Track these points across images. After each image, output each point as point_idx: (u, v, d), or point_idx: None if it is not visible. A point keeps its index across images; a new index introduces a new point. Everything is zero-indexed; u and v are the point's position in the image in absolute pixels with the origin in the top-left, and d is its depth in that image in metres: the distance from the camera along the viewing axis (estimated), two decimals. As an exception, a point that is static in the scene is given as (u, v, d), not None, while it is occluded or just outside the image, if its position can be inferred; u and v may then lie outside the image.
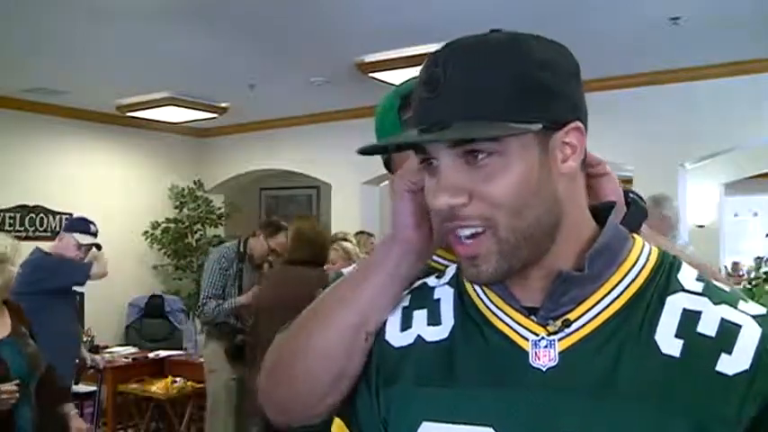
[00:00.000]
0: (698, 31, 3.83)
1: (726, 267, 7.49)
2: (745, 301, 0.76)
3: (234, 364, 4.02)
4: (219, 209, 7.03)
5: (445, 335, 0.82)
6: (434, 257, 1.05)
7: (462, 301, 0.83)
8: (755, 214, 8.46)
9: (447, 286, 0.86)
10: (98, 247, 4.07)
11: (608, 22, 3.75)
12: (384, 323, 0.86)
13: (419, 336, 0.83)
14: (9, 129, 5.54)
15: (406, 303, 0.87)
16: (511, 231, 0.72)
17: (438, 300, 0.85)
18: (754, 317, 0.73)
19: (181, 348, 5.56)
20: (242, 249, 4.13)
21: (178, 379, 4.88)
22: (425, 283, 0.89)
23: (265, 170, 6.94)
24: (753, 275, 5.67)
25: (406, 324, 0.85)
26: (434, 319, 0.84)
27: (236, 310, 4.00)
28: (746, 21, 3.66)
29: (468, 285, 0.84)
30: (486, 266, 0.73)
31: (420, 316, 0.85)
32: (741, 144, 4.80)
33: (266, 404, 0.93)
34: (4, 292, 2.64)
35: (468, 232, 0.73)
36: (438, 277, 0.89)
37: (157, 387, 4.82)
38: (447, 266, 0.92)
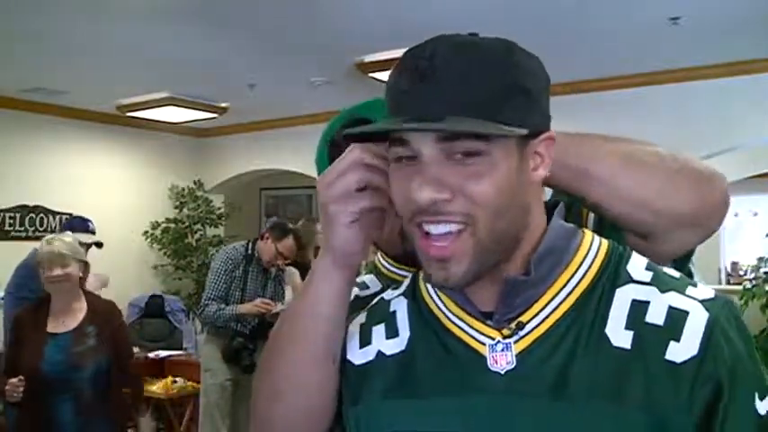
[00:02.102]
0: (698, 31, 3.83)
1: (726, 267, 7.49)
2: (694, 285, 0.76)
3: (229, 365, 4.01)
4: (219, 209, 7.02)
5: (403, 346, 0.82)
6: (394, 269, 1.05)
7: (419, 310, 0.83)
8: (755, 214, 8.45)
9: (402, 297, 0.87)
10: (99, 245, 4.07)
11: (608, 22, 3.75)
12: (343, 344, 0.86)
13: (379, 351, 0.83)
14: (9, 129, 5.53)
15: (363, 320, 0.88)
16: (488, 232, 0.71)
17: (394, 312, 0.86)
18: (701, 301, 0.73)
19: (181, 348, 5.55)
20: (249, 251, 4.10)
21: (178, 379, 4.88)
22: (382, 298, 0.89)
23: (265, 170, 6.94)
24: (753, 275, 5.66)
25: (365, 341, 0.85)
26: (392, 332, 0.84)
27: (238, 316, 3.98)
28: (746, 21, 3.66)
29: (424, 294, 0.84)
30: (457, 269, 0.72)
31: (378, 331, 0.85)
32: (741, 144, 4.80)
33: None
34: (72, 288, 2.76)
35: (445, 229, 0.71)
36: (394, 289, 0.89)
37: (157, 387, 4.81)
38: (405, 278, 0.91)
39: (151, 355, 5.28)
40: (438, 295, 0.82)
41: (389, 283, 1.03)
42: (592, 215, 0.94)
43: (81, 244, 3.81)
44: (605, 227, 0.89)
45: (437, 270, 0.73)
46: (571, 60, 4.34)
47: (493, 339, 0.76)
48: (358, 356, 0.85)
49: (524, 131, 0.70)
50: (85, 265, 2.86)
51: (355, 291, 1.06)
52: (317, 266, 0.84)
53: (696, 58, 4.39)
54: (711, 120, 4.55)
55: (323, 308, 0.83)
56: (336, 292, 0.83)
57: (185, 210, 6.76)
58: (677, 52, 4.29)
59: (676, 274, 0.78)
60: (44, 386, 2.60)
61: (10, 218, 5.61)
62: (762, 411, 0.71)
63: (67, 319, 2.74)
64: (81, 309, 2.79)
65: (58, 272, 2.72)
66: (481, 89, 0.69)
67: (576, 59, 4.37)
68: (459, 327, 0.79)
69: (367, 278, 1.08)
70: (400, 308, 0.85)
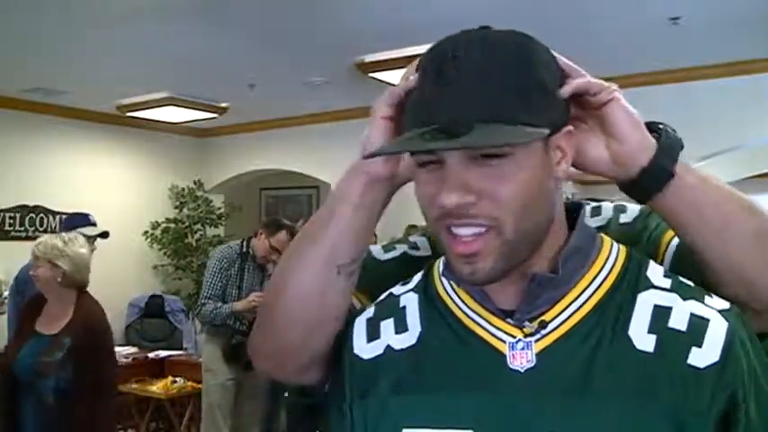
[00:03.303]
0: (698, 31, 3.83)
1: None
2: (710, 296, 0.77)
3: (230, 364, 4.01)
4: (219, 209, 7.02)
5: (413, 341, 0.82)
6: None
7: (432, 305, 0.83)
8: (755, 214, 8.46)
9: (412, 293, 0.87)
10: (104, 235, 4.06)
11: (608, 22, 3.75)
12: (351, 336, 0.86)
13: (388, 345, 0.83)
14: (9, 129, 5.53)
15: (370, 314, 0.88)
16: (515, 232, 0.71)
17: (404, 307, 0.85)
18: (719, 311, 0.75)
19: (181, 348, 5.56)
20: (245, 249, 4.11)
21: (178, 379, 4.88)
22: (391, 293, 0.89)
23: (265, 170, 6.94)
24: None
25: (373, 335, 0.85)
26: (401, 327, 0.84)
27: (235, 313, 3.99)
28: (746, 21, 3.66)
29: (440, 289, 0.84)
30: (484, 264, 0.72)
31: (387, 325, 0.85)
32: (741, 144, 4.80)
33: (256, 357, 0.94)
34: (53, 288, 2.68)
35: (471, 231, 0.71)
36: (403, 284, 0.89)
37: (157, 387, 4.82)
38: None
39: (151, 355, 5.29)
40: (455, 291, 0.82)
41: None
42: (669, 252, 0.92)
43: (88, 238, 3.80)
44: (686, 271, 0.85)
45: (464, 265, 0.73)
46: (571, 60, 4.33)
47: (513, 337, 0.76)
48: (366, 350, 0.84)
49: (547, 131, 0.71)
50: (70, 267, 2.70)
51: (404, 248, 1.07)
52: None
53: (696, 58, 4.39)
54: (711, 120, 4.55)
55: (336, 205, 0.85)
56: (352, 192, 0.84)
57: (185, 210, 6.75)
58: (677, 52, 4.28)
59: (691, 283, 0.79)
60: (13, 385, 2.57)
61: (10, 218, 5.61)
62: None
63: (56, 322, 2.66)
64: (67, 315, 2.67)
65: (32, 272, 2.71)
66: (505, 91, 0.69)
67: (575, 59, 4.36)
68: (478, 323, 0.78)
69: (419, 240, 1.08)
70: (410, 303, 0.85)
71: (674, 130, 0.84)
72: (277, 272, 0.91)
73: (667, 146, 0.80)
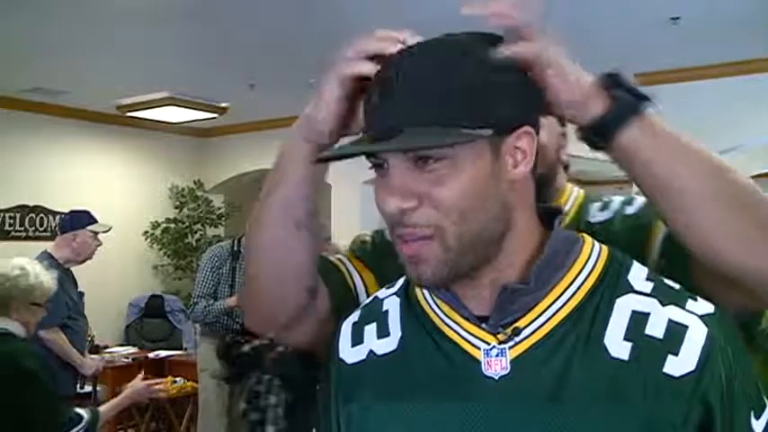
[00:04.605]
0: (698, 31, 3.83)
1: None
2: (695, 299, 0.75)
3: (224, 363, 4.01)
4: (219, 209, 7.02)
5: (394, 346, 0.81)
6: None
7: (412, 310, 0.83)
8: (755, 214, 8.47)
9: (394, 296, 0.86)
10: (108, 230, 4.05)
11: (608, 22, 3.75)
12: (338, 339, 0.87)
13: (371, 350, 0.83)
14: (9, 129, 5.54)
15: (356, 319, 0.88)
16: (457, 238, 0.71)
17: (386, 311, 0.85)
18: (701, 316, 0.72)
19: (181, 348, 5.57)
20: (236, 248, 4.12)
21: (178, 379, 4.88)
22: (376, 297, 0.90)
23: (265, 170, 6.89)
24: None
25: (357, 339, 0.85)
26: (383, 332, 0.83)
27: (228, 310, 3.99)
28: (746, 21, 3.66)
29: (419, 295, 0.83)
30: (425, 268, 0.72)
31: (370, 330, 0.85)
32: (741, 144, 4.80)
33: (246, 314, 1.04)
34: None
35: (415, 238, 0.72)
36: (388, 287, 0.89)
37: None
38: None
39: (151, 355, 5.29)
40: (432, 297, 0.81)
41: None
42: (660, 237, 0.93)
43: (96, 234, 3.78)
44: (675, 253, 0.85)
45: (411, 267, 0.74)
46: (571, 60, 4.33)
47: (488, 344, 0.75)
48: (350, 355, 0.84)
49: (487, 132, 0.70)
50: None
51: None
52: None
53: (696, 58, 4.39)
54: (711, 120, 4.55)
55: (285, 164, 0.93)
56: (292, 152, 0.92)
57: (185, 210, 6.76)
58: (677, 52, 4.29)
59: (676, 285, 0.77)
60: None
61: (10, 218, 5.61)
62: (757, 430, 0.71)
63: None
64: None
65: None
66: (438, 95, 0.69)
67: (575, 59, 4.36)
68: (454, 330, 0.78)
69: None
70: (392, 307, 0.85)
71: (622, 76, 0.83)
72: (250, 224, 0.98)
73: (614, 114, 0.78)
